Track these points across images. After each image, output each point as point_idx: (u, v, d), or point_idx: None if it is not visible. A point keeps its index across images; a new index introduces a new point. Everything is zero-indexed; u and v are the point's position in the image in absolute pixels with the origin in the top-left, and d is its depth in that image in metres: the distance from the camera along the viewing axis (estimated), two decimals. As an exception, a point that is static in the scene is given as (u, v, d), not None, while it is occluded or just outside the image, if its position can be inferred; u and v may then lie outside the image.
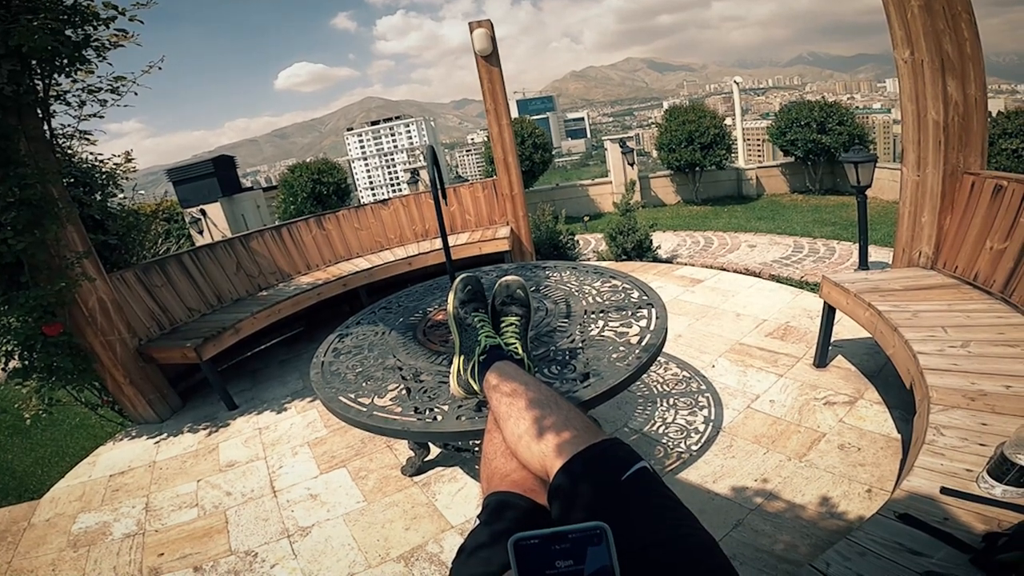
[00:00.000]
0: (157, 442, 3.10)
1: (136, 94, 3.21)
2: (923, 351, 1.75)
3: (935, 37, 2.32)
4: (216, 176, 8.47)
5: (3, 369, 3.05)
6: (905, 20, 2.40)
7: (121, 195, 3.83)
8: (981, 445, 1.29)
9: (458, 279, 1.46)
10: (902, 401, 2.20)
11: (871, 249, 4.13)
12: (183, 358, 3.22)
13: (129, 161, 3.65)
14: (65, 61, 2.87)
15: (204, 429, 3.16)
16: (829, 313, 2.55)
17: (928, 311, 2.04)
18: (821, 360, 2.63)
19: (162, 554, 2.14)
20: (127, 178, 3.71)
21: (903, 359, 1.85)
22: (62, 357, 3.01)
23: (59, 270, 2.89)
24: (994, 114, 6.48)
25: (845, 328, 2.75)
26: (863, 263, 3.92)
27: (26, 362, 3.03)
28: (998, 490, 1.12)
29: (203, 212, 8.23)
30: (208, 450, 2.91)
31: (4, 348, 2.94)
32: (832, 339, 2.63)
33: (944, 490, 1.15)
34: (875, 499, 1.76)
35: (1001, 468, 1.13)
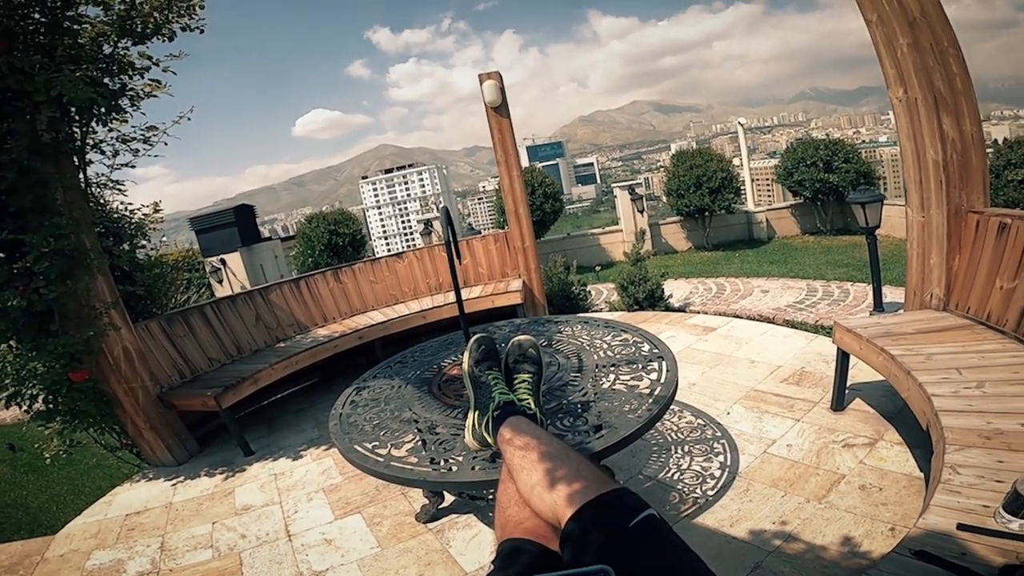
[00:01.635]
0: (174, 484, 3.13)
1: (166, 144, 3.33)
2: (937, 393, 1.75)
3: (926, 74, 2.37)
4: (236, 225, 8.72)
5: (27, 411, 3.11)
6: (896, 59, 2.46)
7: (148, 245, 3.96)
8: (997, 482, 1.29)
9: (472, 339, 1.54)
10: (923, 440, 2.16)
11: (886, 289, 4.12)
12: (203, 406, 3.29)
13: (157, 211, 3.76)
14: (103, 110, 2.98)
15: (221, 473, 3.18)
16: (843, 358, 2.55)
17: (941, 353, 2.05)
18: (838, 404, 2.61)
19: (176, 596, 2.13)
20: (155, 228, 3.83)
21: (918, 401, 1.85)
22: (86, 402, 3.09)
23: (88, 319, 3.00)
24: (1000, 142, 6.44)
25: (862, 371, 2.73)
26: (877, 305, 3.91)
27: (50, 405, 3.10)
28: (1015, 524, 1.12)
29: (223, 262, 8.45)
30: (224, 494, 2.93)
31: (29, 392, 3.01)
32: (849, 382, 2.62)
33: (961, 526, 1.15)
34: (899, 537, 1.71)
35: (1017, 503, 1.13)
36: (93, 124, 3.08)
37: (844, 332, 2.46)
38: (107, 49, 2.95)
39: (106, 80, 2.96)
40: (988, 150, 5.85)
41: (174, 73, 3.15)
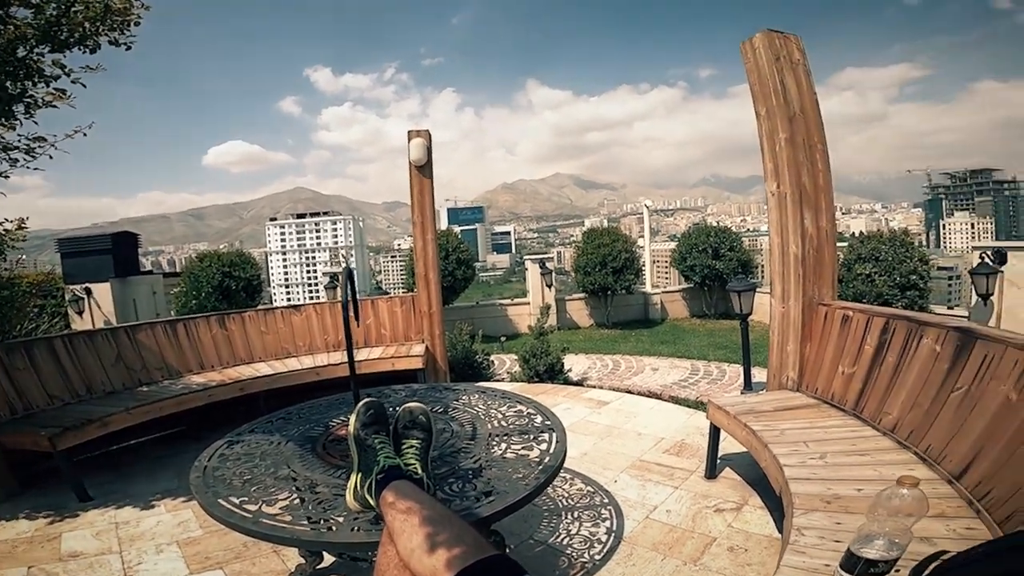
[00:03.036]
0: (-18, 524, 2.63)
1: (51, 157, 3.07)
2: (788, 463, 1.97)
3: (796, 169, 2.67)
4: (112, 253, 7.86)
5: None
6: (775, 152, 2.76)
7: (2, 265, 3.48)
8: (836, 542, 1.44)
9: (361, 403, 1.53)
10: (781, 504, 2.39)
11: (755, 371, 4.58)
12: (34, 445, 2.90)
13: (21, 228, 3.36)
14: None
15: (45, 517, 2.77)
16: (715, 432, 2.78)
17: (793, 428, 2.32)
18: (711, 472, 2.81)
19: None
20: (15, 247, 3.41)
21: (773, 470, 2.06)
22: None
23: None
24: (856, 235, 7.31)
25: (732, 443, 2.98)
26: (747, 385, 4.33)
27: None
28: None
29: (88, 291, 7.51)
30: (47, 538, 2.54)
31: None
32: (720, 453, 2.85)
33: None
34: None
35: (850, 562, 1.25)
36: None
37: (716, 409, 2.70)
38: (20, 53, 2.73)
39: (8, 84, 2.71)
40: (843, 244, 6.68)
41: (83, 85, 2.95)
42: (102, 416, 3.12)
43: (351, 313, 2.10)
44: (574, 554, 2.25)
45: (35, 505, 2.91)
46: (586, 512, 2.60)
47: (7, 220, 3.30)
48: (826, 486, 1.77)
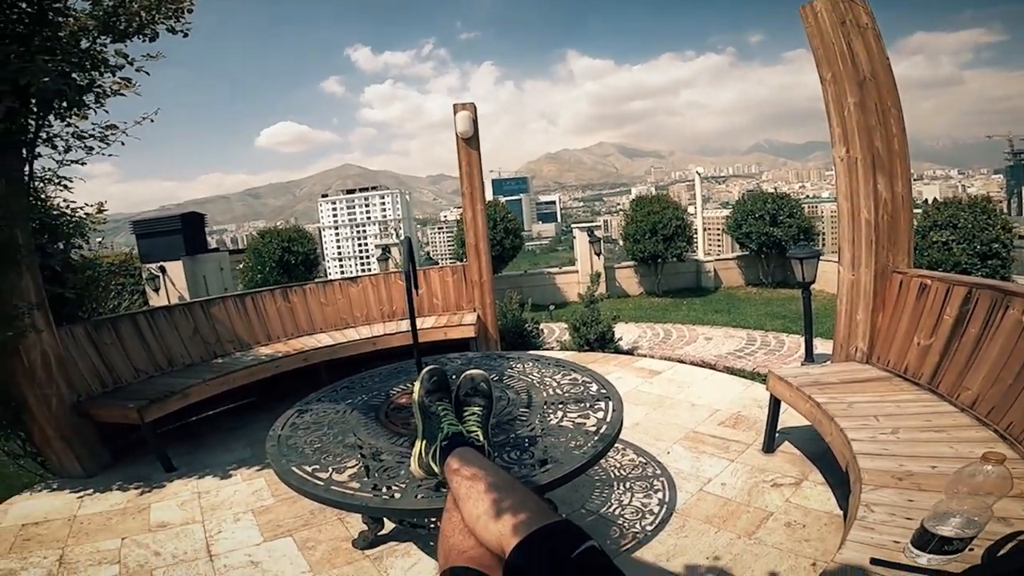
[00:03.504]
0: (80, 496, 2.89)
1: (123, 143, 3.17)
2: (856, 438, 1.88)
3: (867, 134, 2.53)
4: (182, 233, 8.36)
5: None
6: (843, 118, 2.61)
7: (85, 247, 3.75)
8: (907, 519, 1.38)
9: (425, 371, 1.55)
10: (842, 481, 2.30)
11: (817, 342, 4.38)
12: (123, 418, 3.09)
13: (101, 211, 3.56)
14: (64, 104, 2.86)
15: (136, 488, 2.97)
16: (775, 404, 2.69)
17: (862, 402, 2.21)
18: (769, 446, 2.74)
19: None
20: (95, 229, 3.64)
21: (839, 445, 1.97)
22: (-10, 406, 2.83)
23: (7, 319, 2.78)
24: (929, 201, 6.89)
25: (791, 416, 2.89)
26: (809, 356, 4.15)
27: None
28: (923, 559, 1.20)
29: (163, 269, 8.06)
30: (138, 509, 2.74)
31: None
32: (779, 427, 2.77)
33: (874, 560, 1.22)
34: (819, 572, 1.80)
35: (923, 539, 1.21)
36: (50, 118, 2.95)
37: (777, 380, 2.61)
38: (84, 44, 2.85)
39: (75, 75, 2.84)
40: (917, 210, 6.26)
41: (147, 73, 3.06)
42: (183, 388, 3.32)
43: (412, 283, 2.11)
44: (626, 524, 2.26)
45: (126, 476, 3.14)
46: (638, 483, 2.59)
47: (87, 204, 3.51)
48: (898, 462, 1.69)
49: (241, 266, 8.64)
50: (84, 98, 2.94)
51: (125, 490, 2.96)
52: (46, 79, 2.51)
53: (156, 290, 8.01)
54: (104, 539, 2.47)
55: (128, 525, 2.58)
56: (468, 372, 1.60)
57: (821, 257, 4.04)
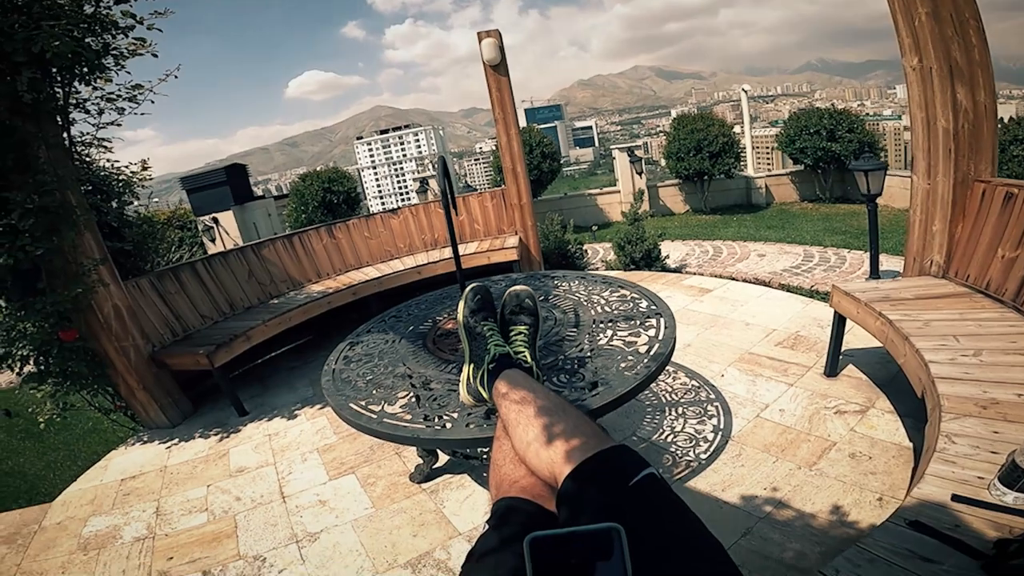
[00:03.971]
0: (168, 447, 3.13)
1: (153, 102, 3.25)
2: (934, 360, 1.74)
3: (943, 44, 2.31)
4: (229, 184, 8.61)
5: (18, 374, 3.09)
6: (912, 28, 2.39)
7: (137, 202, 3.89)
8: (993, 453, 1.28)
9: (468, 289, 1.48)
10: (913, 410, 2.18)
11: (882, 258, 4.11)
12: (195, 364, 3.26)
13: (145, 169, 3.69)
14: (85, 69, 2.92)
15: (215, 435, 3.19)
16: (839, 322, 2.53)
17: (939, 320, 2.03)
18: (831, 369, 2.61)
19: (171, 558, 2.15)
20: (143, 186, 3.75)
21: (914, 368, 1.84)
22: (77, 362, 3.06)
23: (75, 276, 2.94)
24: (1005, 120, 6.41)
25: (856, 337, 2.73)
26: (874, 272, 3.89)
27: (41, 367, 3.07)
28: (1009, 497, 1.11)
29: (216, 220, 8.35)
30: (219, 456, 2.93)
31: (20, 353, 2.98)
32: (843, 348, 2.62)
33: (955, 497, 1.14)
34: (886, 508, 1.74)
35: (1012, 475, 1.12)
36: (76, 84, 3.00)
37: (842, 295, 2.44)
38: (88, 9, 2.85)
39: (88, 40, 2.86)
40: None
41: (159, 31, 3.07)
42: (245, 330, 3.47)
43: (450, 203, 2.03)
44: (679, 452, 2.23)
45: (205, 423, 3.36)
46: (691, 408, 2.54)
47: (131, 163, 3.64)
48: (981, 388, 1.55)
49: (287, 210, 8.86)
50: (103, 61, 2.97)
51: (206, 437, 3.18)
52: (57, 43, 2.52)
53: (212, 240, 8.35)
54: (192, 487, 2.67)
55: (211, 472, 2.78)
56: (512, 289, 1.51)
57: (887, 171, 3.67)
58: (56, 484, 2.93)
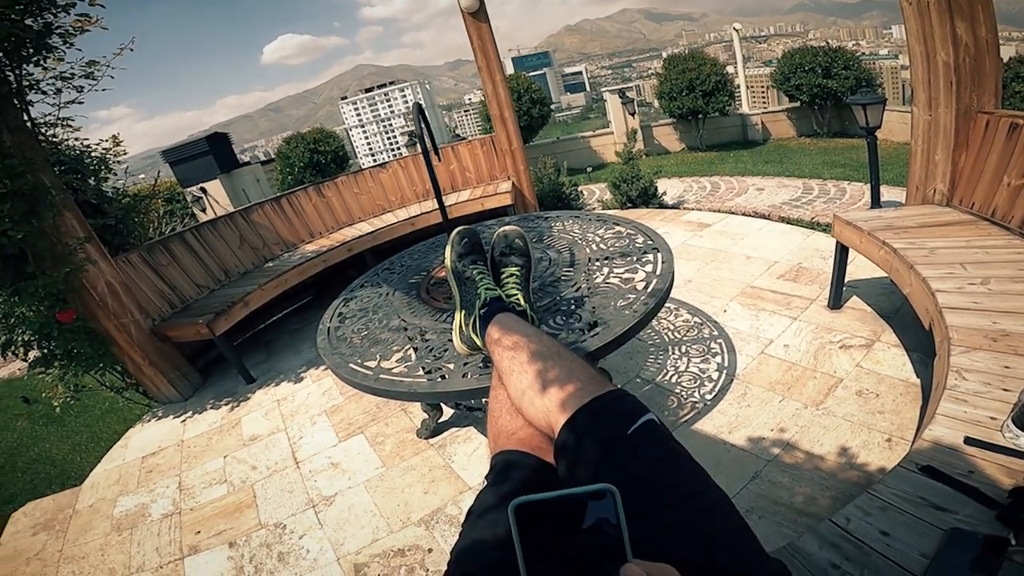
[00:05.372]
0: (183, 421, 3.17)
1: (112, 77, 3.18)
2: (941, 289, 1.70)
3: None
4: (212, 153, 8.40)
5: (24, 359, 3.09)
6: None
7: (116, 179, 3.78)
8: (1005, 391, 1.24)
9: (454, 232, 1.41)
10: (920, 343, 2.17)
11: (883, 189, 4.01)
12: (197, 335, 3.25)
13: (118, 144, 3.60)
14: (31, 50, 2.83)
15: (226, 404, 3.22)
16: (842, 253, 2.49)
17: (945, 248, 1.98)
18: (835, 302, 2.59)
19: (199, 532, 2.20)
20: (118, 161, 3.65)
21: (921, 298, 1.80)
22: (80, 343, 3.05)
23: (63, 257, 2.89)
24: (1005, 60, 6.30)
25: (859, 268, 2.69)
26: (875, 202, 3.82)
27: (45, 351, 3.07)
28: (1023, 440, 1.07)
29: (204, 190, 8.18)
30: (231, 425, 2.97)
31: (22, 338, 2.97)
32: (846, 279, 2.58)
33: (968, 440, 1.10)
34: (895, 449, 1.73)
35: (1027, 416, 1.08)
36: (25, 65, 2.89)
37: (844, 225, 2.39)
38: None
39: (28, 21, 2.76)
40: None
41: (102, 6, 3.00)
42: (242, 296, 3.43)
43: (429, 147, 1.96)
44: (683, 393, 2.21)
45: (215, 394, 3.37)
46: (694, 346, 2.52)
47: (103, 140, 3.57)
48: (990, 319, 1.50)
49: (275, 174, 8.69)
50: (49, 41, 2.87)
51: (218, 408, 3.21)
52: None
53: (203, 210, 8.20)
54: (210, 459, 2.70)
55: (226, 442, 2.81)
56: (501, 229, 1.44)
57: (885, 105, 3.53)
58: (83, 466, 2.98)
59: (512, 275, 1.35)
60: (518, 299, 1.28)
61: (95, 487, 2.74)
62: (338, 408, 2.82)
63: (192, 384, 3.51)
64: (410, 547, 1.86)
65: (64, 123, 3.29)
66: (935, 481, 1.04)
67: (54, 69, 3.01)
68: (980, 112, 2.29)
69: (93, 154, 3.52)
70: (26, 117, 2.98)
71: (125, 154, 3.66)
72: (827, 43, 8.09)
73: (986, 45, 2.27)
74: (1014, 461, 1.04)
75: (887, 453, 1.73)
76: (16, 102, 2.89)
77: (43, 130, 3.20)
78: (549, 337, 0.97)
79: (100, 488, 2.72)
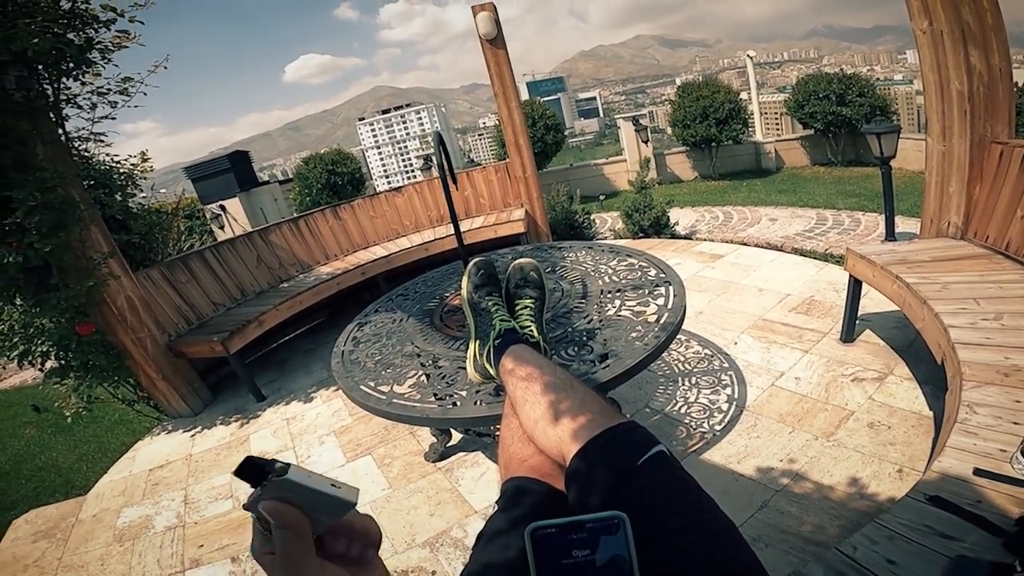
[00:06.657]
0: (192, 435, 3.19)
1: (145, 94, 3.27)
2: (954, 324, 1.70)
3: (953, 7, 2.25)
4: (233, 171, 8.59)
5: (40, 369, 3.15)
6: None
7: (141, 194, 3.90)
8: (1015, 424, 1.24)
9: (471, 263, 1.44)
10: (933, 376, 2.14)
11: (898, 220, 4.01)
12: (211, 352, 3.30)
13: (145, 160, 3.71)
14: (71, 64, 2.92)
15: (235, 421, 3.24)
16: (855, 286, 2.48)
17: (958, 282, 1.98)
18: (848, 335, 2.57)
19: (202, 545, 2.21)
20: (145, 177, 3.77)
21: (933, 333, 1.80)
22: (96, 355, 3.11)
23: (86, 271, 2.97)
24: (1019, 84, 6.26)
25: (872, 301, 2.68)
26: (890, 234, 3.81)
27: (62, 361, 3.13)
28: None
29: (223, 208, 8.35)
30: (240, 441, 2.98)
31: (40, 349, 3.03)
32: (859, 313, 2.57)
33: (977, 471, 1.11)
34: (906, 479, 1.71)
35: (1035, 449, 1.08)
36: (64, 80, 3.00)
37: (857, 259, 2.39)
38: (65, 4, 2.83)
39: (70, 36, 2.86)
40: None
41: (141, 23, 3.09)
42: (257, 315, 3.49)
43: (447, 174, 1.99)
44: (693, 424, 2.21)
45: (225, 410, 3.40)
46: (704, 378, 2.52)
47: (131, 156, 3.68)
48: (1003, 355, 1.50)
49: (292, 194, 8.85)
50: (88, 56, 2.97)
51: (227, 424, 3.23)
52: (35, 40, 2.51)
53: (221, 227, 8.36)
54: (216, 475, 2.72)
55: (234, 459, 2.81)
56: (517, 262, 1.47)
57: (900, 134, 3.56)
58: (89, 476, 3.00)
59: (526, 307, 1.38)
60: (532, 331, 1.31)
61: (100, 497, 2.76)
62: (347, 429, 2.83)
63: (203, 399, 3.55)
64: (414, 568, 1.85)
65: (96, 138, 3.40)
66: (942, 511, 1.04)
67: (91, 84, 3.12)
68: (994, 142, 2.30)
69: (121, 170, 3.63)
70: (61, 131, 3.08)
71: (151, 171, 3.78)
72: (841, 69, 8.16)
73: (1000, 73, 2.29)
74: (1022, 491, 1.05)
75: (898, 484, 1.71)
76: (52, 115, 3.00)
77: (76, 144, 3.30)
78: (562, 369, 0.99)
79: (105, 498, 2.73)
